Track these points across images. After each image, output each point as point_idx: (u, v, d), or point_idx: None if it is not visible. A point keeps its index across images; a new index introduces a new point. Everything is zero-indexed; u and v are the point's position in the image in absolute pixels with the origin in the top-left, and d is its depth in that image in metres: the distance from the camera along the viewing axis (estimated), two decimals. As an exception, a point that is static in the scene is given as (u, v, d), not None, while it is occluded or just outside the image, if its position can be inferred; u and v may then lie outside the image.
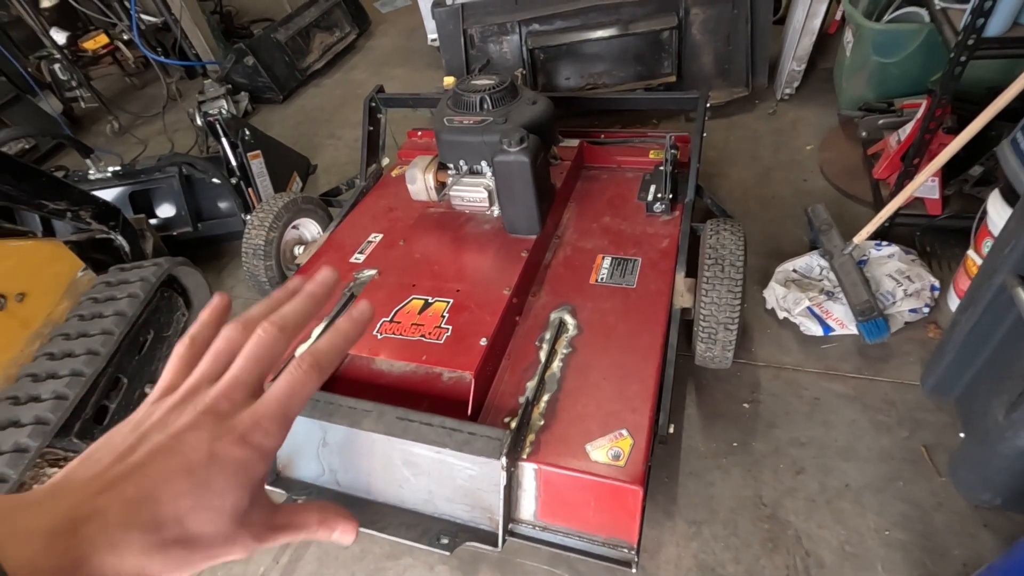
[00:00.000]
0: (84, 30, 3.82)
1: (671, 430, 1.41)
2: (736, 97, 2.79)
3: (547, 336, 1.59)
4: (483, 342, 1.47)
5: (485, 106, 1.76)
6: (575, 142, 2.25)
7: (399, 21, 4.67)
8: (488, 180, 1.77)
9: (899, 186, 1.86)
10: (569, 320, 1.64)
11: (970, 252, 1.67)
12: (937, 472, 1.47)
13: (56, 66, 3.67)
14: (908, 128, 1.96)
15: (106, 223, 2.09)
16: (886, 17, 2.16)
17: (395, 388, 1.57)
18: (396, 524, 1.39)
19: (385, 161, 2.48)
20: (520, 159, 1.62)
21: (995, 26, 1.47)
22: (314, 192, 2.46)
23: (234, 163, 2.41)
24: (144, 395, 1.95)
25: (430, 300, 1.63)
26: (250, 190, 2.49)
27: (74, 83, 3.74)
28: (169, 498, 0.31)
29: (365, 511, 1.44)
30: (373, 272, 1.79)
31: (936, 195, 1.90)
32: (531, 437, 1.35)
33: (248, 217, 2.05)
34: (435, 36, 2.97)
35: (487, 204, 1.82)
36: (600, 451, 1.30)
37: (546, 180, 1.81)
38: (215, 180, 2.39)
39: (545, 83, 2.88)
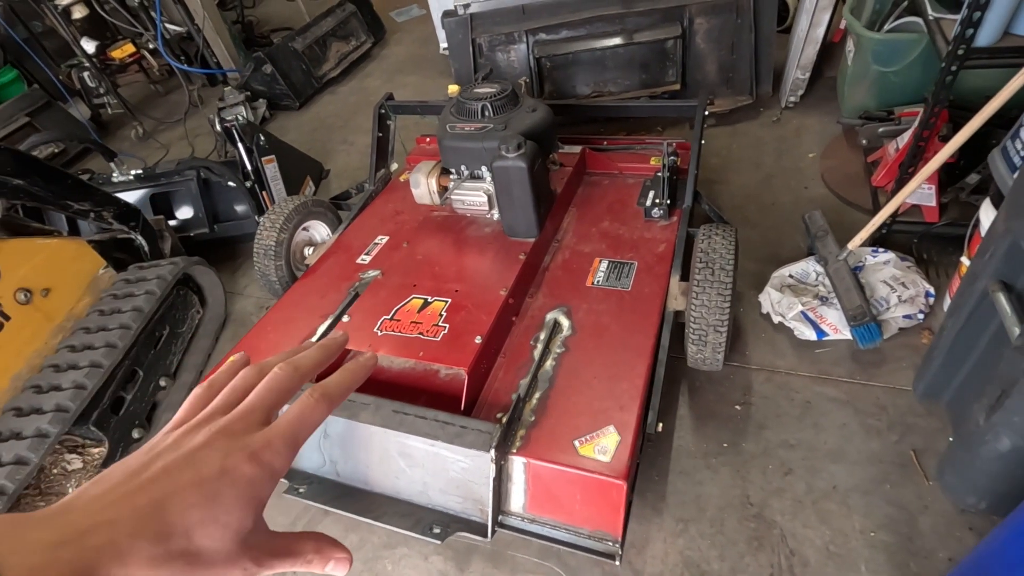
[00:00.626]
0: (112, 39, 3.98)
1: (659, 428, 1.45)
2: (740, 105, 2.82)
3: (542, 336, 1.64)
4: (478, 340, 1.52)
5: (486, 113, 1.83)
6: (578, 148, 2.30)
7: (414, 30, 4.77)
8: (488, 185, 1.83)
9: (895, 193, 1.87)
10: (564, 321, 1.68)
11: (964, 259, 1.69)
12: (925, 476, 1.49)
13: (85, 74, 3.83)
14: (906, 136, 1.98)
15: (127, 223, 2.20)
16: (886, 27, 2.18)
17: (394, 383, 1.64)
18: (391, 514, 1.45)
19: (394, 166, 2.56)
20: (518, 164, 1.67)
21: (985, 36, 1.49)
22: (326, 195, 2.55)
23: (249, 168, 2.51)
24: (159, 387, 2.05)
25: (429, 299, 1.69)
26: (264, 193, 2.58)
27: (102, 90, 3.90)
28: (179, 509, 0.32)
29: (362, 501, 1.50)
30: (377, 272, 1.86)
31: (933, 202, 1.92)
32: (521, 432, 1.39)
33: (260, 219, 2.13)
34: (447, 45, 3.05)
35: (487, 208, 1.88)
36: (587, 446, 1.35)
37: (544, 185, 1.86)
38: (231, 184, 2.49)
39: (552, 91, 2.94)
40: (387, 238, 2.07)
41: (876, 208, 2.13)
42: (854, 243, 1.81)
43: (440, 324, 1.60)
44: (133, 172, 2.57)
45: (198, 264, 2.28)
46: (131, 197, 2.57)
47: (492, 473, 1.31)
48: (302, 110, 3.94)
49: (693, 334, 1.60)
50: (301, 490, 1.52)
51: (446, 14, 2.98)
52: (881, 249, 1.90)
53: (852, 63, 2.36)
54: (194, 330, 2.26)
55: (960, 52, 1.51)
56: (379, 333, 1.61)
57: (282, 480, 1.54)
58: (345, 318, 1.67)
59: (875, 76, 2.25)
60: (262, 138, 2.51)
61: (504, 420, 1.37)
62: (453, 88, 2.07)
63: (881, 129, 2.18)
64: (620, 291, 1.74)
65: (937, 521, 1.41)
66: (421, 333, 1.58)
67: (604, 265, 1.84)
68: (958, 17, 1.50)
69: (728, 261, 1.59)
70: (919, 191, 1.85)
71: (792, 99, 2.87)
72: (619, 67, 2.83)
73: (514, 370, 1.57)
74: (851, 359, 1.77)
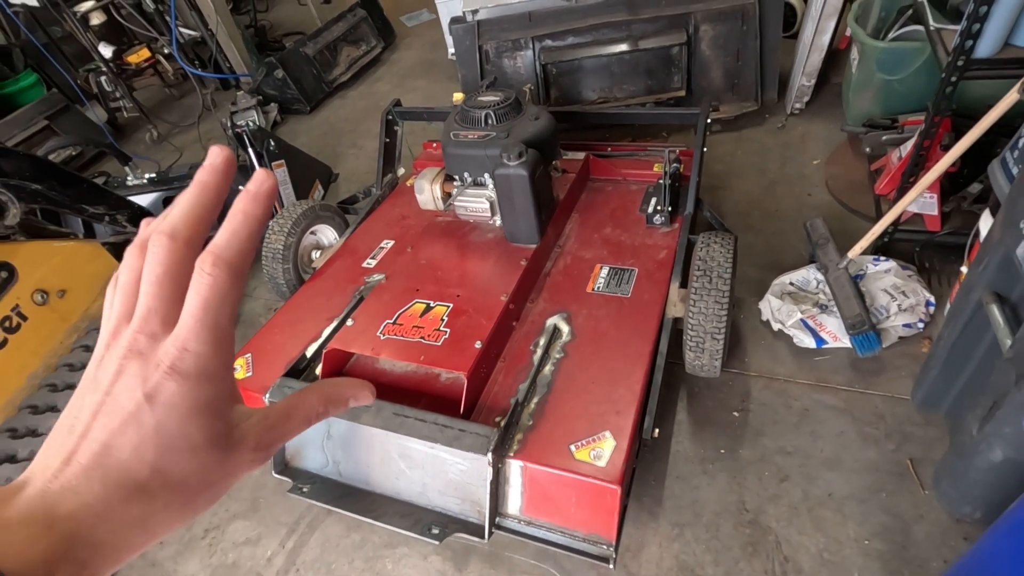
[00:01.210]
0: (128, 45, 4.07)
1: (656, 434, 1.47)
2: (745, 111, 2.83)
3: (541, 341, 1.66)
4: (478, 345, 1.55)
5: (489, 121, 1.86)
6: (581, 155, 2.33)
7: (424, 34, 4.82)
8: (490, 192, 1.86)
9: (898, 202, 1.88)
10: (563, 326, 1.71)
11: (964, 268, 1.69)
12: (921, 485, 1.49)
13: (102, 78, 3.92)
14: (909, 145, 1.98)
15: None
16: (891, 35, 2.18)
17: (396, 386, 1.67)
18: (391, 514, 1.48)
19: (401, 171, 2.60)
20: (519, 172, 1.70)
21: (985, 48, 1.50)
22: (334, 199, 2.59)
23: (259, 172, 2.56)
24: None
25: (431, 304, 1.72)
26: (273, 197, 2.63)
27: (118, 94, 3.99)
28: (129, 454, 0.29)
29: (364, 500, 1.53)
30: (381, 276, 1.89)
31: (935, 211, 1.92)
32: (519, 436, 1.42)
33: (269, 223, 2.18)
34: (454, 51, 3.09)
35: (489, 215, 1.91)
36: (583, 451, 1.37)
37: (546, 192, 1.89)
38: (240, 188, 2.54)
39: (558, 97, 2.97)
40: (392, 242, 2.11)
41: (879, 216, 2.13)
42: (855, 251, 1.82)
43: (441, 329, 1.63)
44: (147, 176, 2.64)
45: (208, 266, 2.33)
46: (145, 200, 2.64)
47: (489, 476, 1.34)
48: (312, 114, 4.01)
49: (691, 341, 1.62)
50: (305, 489, 1.56)
51: (454, 20, 3.02)
52: (882, 257, 1.91)
53: (856, 71, 2.37)
54: (204, 331, 2.31)
55: (960, 63, 1.52)
56: (382, 337, 1.64)
57: (286, 479, 1.58)
58: (349, 321, 1.71)
59: (879, 84, 2.25)
60: (272, 143, 2.57)
61: (502, 424, 1.39)
62: (458, 96, 2.11)
63: (885, 137, 2.18)
64: (620, 297, 1.77)
65: (932, 530, 1.41)
66: (423, 337, 1.61)
67: (605, 271, 1.86)
68: (958, 28, 1.50)
69: (726, 269, 1.61)
70: (921, 200, 1.86)
71: (797, 106, 2.87)
72: (625, 73, 2.85)
73: (514, 374, 1.60)
74: (850, 367, 1.78)
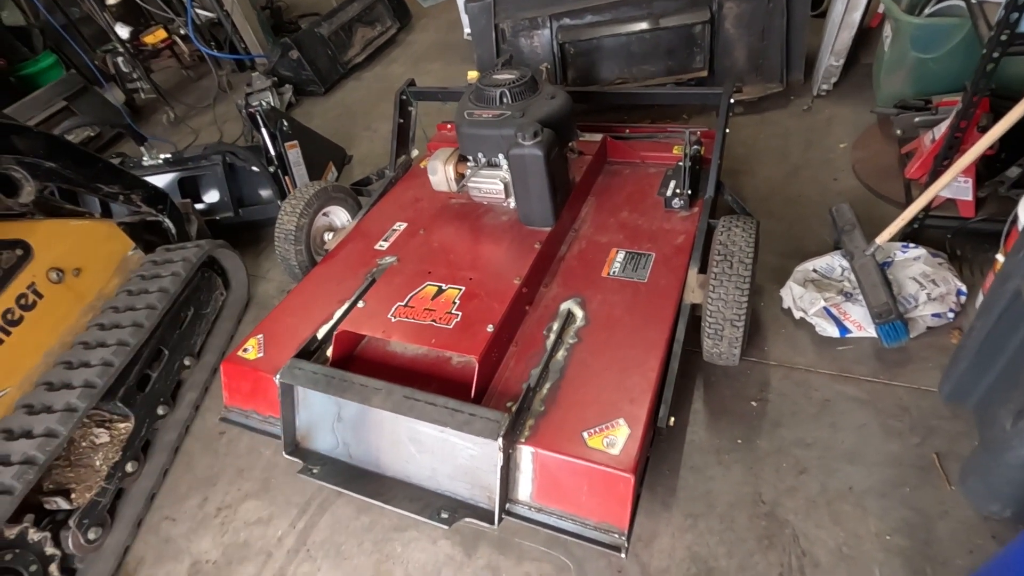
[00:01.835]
0: (146, 25, 4.07)
1: (671, 423, 1.44)
2: (770, 93, 2.74)
3: (555, 326, 1.63)
4: (490, 329, 1.52)
5: (504, 100, 1.81)
6: (599, 136, 2.27)
7: (439, 15, 4.74)
8: (504, 173, 1.82)
9: (929, 186, 1.80)
10: (578, 311, 1.67)
11: (999, 256, 1.61)
12: (947, 480, 1.44)
13: (119, 59, 3.93)
14: (943, 126, 1.89)
15: (155, 206, 2.26)
16: (927, 11, 2.08)
17: (408, 369, 1.66)
18: (401, 497, 1.47)
19: (415, 153, 2.57)
20: (534, 152, 1.66)
21: (1031, 21, 1.41)
22: (348, 181, 2.57)
23: (272, 153, 2.55)
24: (183, 366, 2.11)
25: (444, 287, 1.70)
26: (287, 178, 2.62)
27: (135, 75, 4.00)
28: None
29: (374, 483, 1.52)
30: (393, 259, 1.87)
31: (969, 196, 1.83)
32: (530, 422, 1.40)
33: (282, 204, 2.16)
34: (470, 31, 3.03)
35: (503, 196, 1.87)
36: (596, 438, 1.34)
37: (562, 174, 1.84)
38: (254, 168, 2.53)
39: (575, 77, 2.90)
40: (405, 224, 2.08)
41: (909, 202, 2.04)
42: (883, 238, 1.75)
43: (453, 312, 1.60)
44: (162, 156, 2.64)
45: (222, 247, 2.33)
46: (160, 181, 2.64)
47: (500, 462, 1.32)
48: (327, 96, 3.98)
49: (709, 328, 1.57)
50: (315, 471, 1.55)
51: (470, -1, 2.96)
52: (912, 245, 1.83)
53: (889, 49, 2.26)
54: (218, 312, 2.32)
55: (1003, 38, 1.43)
56: (393, 319, 1.62)
57: (296, 460, 1.58)
58: (361, 303, 1.69)
59: (913, 63, 2.15)
60: (285, 124, 2.54)
61: (513, 409, 1.37)
62: (472, 74, 2.06)
63: (917, 119, 2.09)
64: (636, 282, 1.72)
65: (957, 527, 1.36)
66: (434, 320, 1.59)
67: (621, 256, 1.82)
68: (1002, 0, 1.42)
69: (747, 254, 1.55)
70: (954, 184, 1.77)
71: (824, 87, 2.77)
72: (644, 53, 2.77)
73: (526, 359, 1.57)
74: (874, 358, 1.72)
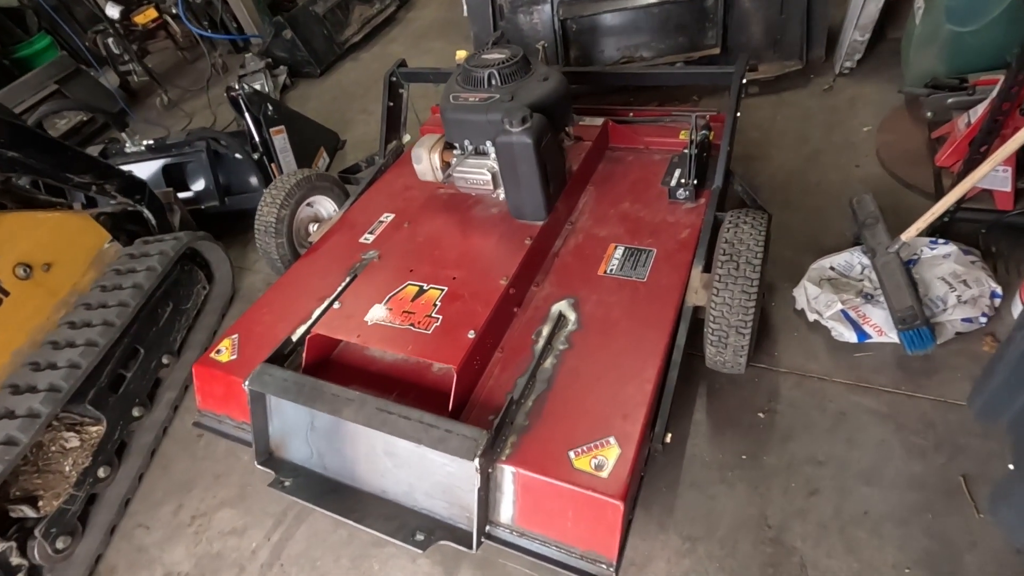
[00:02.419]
0: (137, 4, 3.93)
1: (667, 440, 1.31)
2: (788, 71, 2.54)
3: (544, 330, 1.50)
4: (471, 335, 1.40)
5: (492, 82, 1.66)
6: (599, 121, 2.11)
7: (442, -9, 4.55)
8: (492, 162, 1.68)
9: (963, 175, 1.62)
10: (570, 314, 1.54)
11: (1041, 256, 1.44)
12: (975, 507, 1.30)
13: (110, 40, 3.81)
14: (980, 109, 1.70)
15: (131, 196, 2.15)
16: (965, -22, 1.87)
17: (387, 376, 1.54)
18: (375, 515, 1.37)
19: (406, 138, 2.43)
20: (522, 140, 1.51)
21: (1092, -13, 1.22)
22: (342, 167, 2.45)
23: (257, 139, 2.42)
24: (161, 365, 2.02)
25: (425, 287, 1.57)
26: (273, 165, 2.50)
27: (126, 57, 3.88)
28: None
29: (348, 499, 1.42)
30: (375, 254, 1.75)
31: (1008, 187, 1.66)
32: (512, 439, 1.28)
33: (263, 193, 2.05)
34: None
35: (491, 187, 1.74)
36: (583, 459, 1.22)
37: (555, 163, 1.69)
38: (237, 155, 2.41)
39: (577, 56, 2.72)
40: (392, 216, 1.96)
41: (939, 192, 1.87)
42: (909, 233, 1.58)
43: (433, 315, 1.48)
44: (145, 143, 2.53)
45: (204, 239, 2.23)
46: (146, 169, 2.54)
47: (477, 483, 1.21)
48: (323, 77, 3.83)
49: (712, 335, 1.43)
50: (287, 484, 1.46)
51: (466, -28, 2.78)
52: (941, 240, 1.67)
53: (921, 22, 2.06)
54: (199, 307, 2.23)
55: (1058, 7, 1.24)
56: (370, 323, 1.50)
57: (268, 471, 1.48)
58: (336, 304, 1.58)
59: (948, 37, 1.95)
60: (270, 108, 2.42)
61: (495, 424, 1.25)
62: (461, 54, 1.91)
63: (951, 100, 1.90)
64: (635, 281, 1.59)
65: (986, 560, 1.23)
66: (412, 324, 1.47)
67: (620, 252, 1.68)
68: (1058, -37, 1.23)
69: (756, 254, 1.40)
70: (993, 174, 1.59)
71: (848, 64, 2.56)
72: (652, 29, 2.58)
73: (512, 366, 1.45)
74: (896, 366, 1.57)
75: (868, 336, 1.61)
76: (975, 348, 1.56)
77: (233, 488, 1.75)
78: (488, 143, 1.67)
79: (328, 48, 3.87)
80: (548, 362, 1.44)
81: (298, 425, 1.50)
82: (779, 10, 2.44)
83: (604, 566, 1.18)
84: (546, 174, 1.62)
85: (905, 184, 2.04)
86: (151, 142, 2.54)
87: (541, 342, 1.48)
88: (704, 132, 1.90)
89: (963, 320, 1.55)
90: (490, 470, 1.24)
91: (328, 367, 1.60)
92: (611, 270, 1.64)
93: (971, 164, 1.62)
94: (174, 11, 3.89)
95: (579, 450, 1.24)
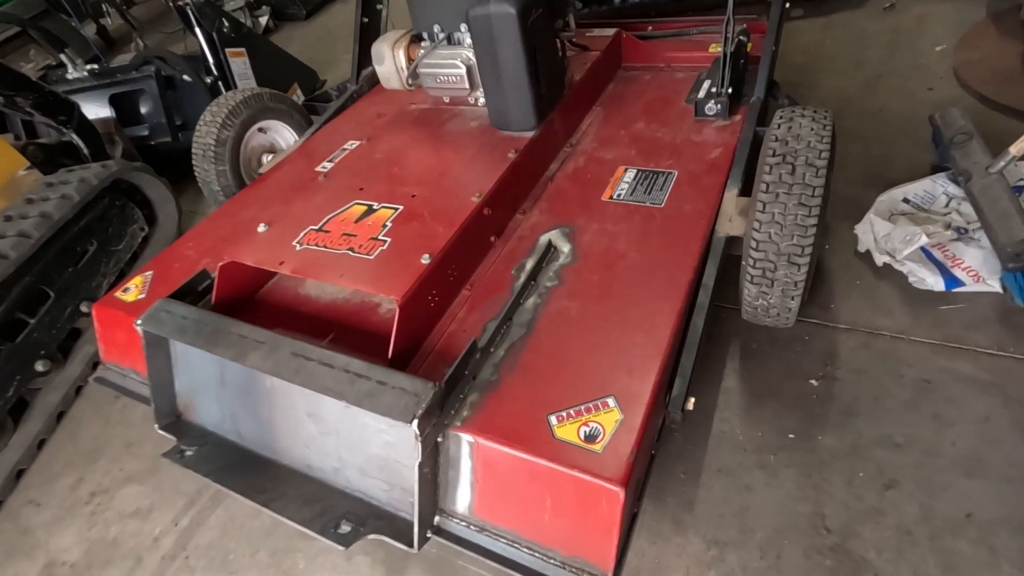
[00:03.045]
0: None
1: (690, 406, 0.95)
2: (839, -11, 2.14)
3: (528, 264, 1.14)
4: (425, 260, 1.05)
5: (470, -52, 1.29)
6: (610, 32, 1.74)
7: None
8: (468, 51, 1.31)
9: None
10: (563, 245, 1.20)
11: None
12: None
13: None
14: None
15: (54, 117, 1.83)
16: None
17: (323, 319, 1.20)
18: (292, 496, 1.04)
19: (384, 63, 2.07)
20: (503, 10, 1.16)
21: None
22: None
23: (211, 60, 2.08)
24: (80, 313, 1.70)
25: (375, 206, 1.23)
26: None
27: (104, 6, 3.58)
28: None
29: (261, 475, 1.09)
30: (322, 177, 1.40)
31: None
32: (473, 397, 0.93)
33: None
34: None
35: (467, 87, 1.38)
36: (568, 426, 0.87)
37: (549, 55, 1.33)
38: (186, 77, 2.08)
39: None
40: (358, 143, 1.61)
41: (1043, 111, 1.47)
42: (1019, 146, 1.18)
43: (380, 238, 1.13)
44: (87, 68, 2.20)
45: (141, 171, 1.90)
46: (93, 101, 2.22)
47: (418, 456, 0.85)
48: (309, 20, 3.50)
49: (754, 267, 1.06)
50: (187, 454, 1.13)
51: None
52: (1058, 161, 1.27)
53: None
54: (134, 249, 1.90)
55: None
56: (298, 247, 1.16)
57: (169, 437, 1.15)
58: (261, 227, 1.23)
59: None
60: (226, 24, 2.07)
61: (446, 376, 0.89)
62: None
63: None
64: (649, 207, 1.24)
65: None
66: (351, 248, 1.12)
67: (630, 175, 1.33)
68: None
69: (820, 154, 1.02)
70: None
71: (914, -20, 2.14)
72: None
73: (484, 306, 1.11)
74: (1000, 322, 1.20)
75: (960, 283, 1.23)
76: (1110, 299, 1.16)
77: (145, 460, 1.43)
78: (463, 27, 1.30)
79: (316, -12, 3.52)
80: (530, 302, 1.09)
81: (208, 379, 1.16)
82: (832, -89, 2.03)
83: (594, 579, 0.82)
84: (535, 66, 1.25)
85: (995, 105, 1.64)
86: (95, 67, 2.22)
87: (523, 277, 1.12)
88: (741, 38, 1.53)
89: (1094, 262, 1.15)
90: (439, 439, 0.89)
91: (255, 308, 1.26)
92: (619, 195, 1.29)
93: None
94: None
95: (563, 414, 0.88)
